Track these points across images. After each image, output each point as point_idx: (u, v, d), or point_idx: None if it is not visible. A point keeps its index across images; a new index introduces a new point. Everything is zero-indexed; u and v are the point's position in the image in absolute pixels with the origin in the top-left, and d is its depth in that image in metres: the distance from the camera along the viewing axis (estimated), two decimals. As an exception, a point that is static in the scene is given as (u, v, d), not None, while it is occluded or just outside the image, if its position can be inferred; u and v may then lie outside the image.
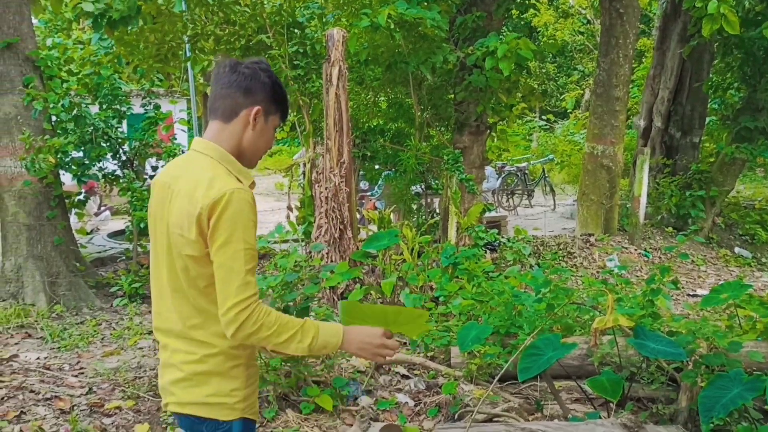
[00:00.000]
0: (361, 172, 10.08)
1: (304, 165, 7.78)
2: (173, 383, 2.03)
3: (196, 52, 8.28)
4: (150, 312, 6.82)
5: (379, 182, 11.35)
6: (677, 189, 11.09)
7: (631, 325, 4.46)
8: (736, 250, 10.92)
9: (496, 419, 4.28)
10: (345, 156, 6.98)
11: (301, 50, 7.74)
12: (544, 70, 27.16)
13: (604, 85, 10.51)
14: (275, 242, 5.83)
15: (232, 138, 2.01)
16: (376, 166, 9.91)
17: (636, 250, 10.18)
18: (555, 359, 4.38)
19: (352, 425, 4.17)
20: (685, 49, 10.63)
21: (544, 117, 26.99)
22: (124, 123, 7.15)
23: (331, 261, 6.96)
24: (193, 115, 12.14)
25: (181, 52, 8.25)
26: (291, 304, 4.27)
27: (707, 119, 12.63)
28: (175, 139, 6.94)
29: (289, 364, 4.30)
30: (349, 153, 7.04)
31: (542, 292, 5.35)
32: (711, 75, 11.68)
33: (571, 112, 25.29)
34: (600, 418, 4.19)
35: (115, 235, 9.23)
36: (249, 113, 1.99)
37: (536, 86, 10.01)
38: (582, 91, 25.37)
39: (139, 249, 7.32)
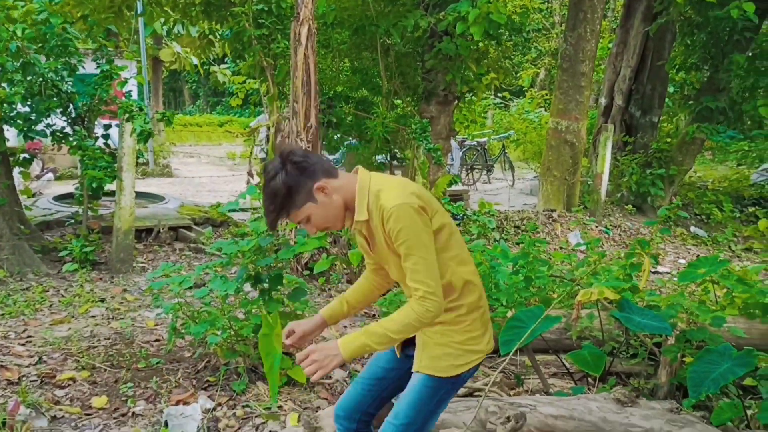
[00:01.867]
0: (324, 142, 9.73)
1: (267, 129, 7.41)
2: None
3: (153, 5, 7.78)
4: (101, 279, 6.46)
5: (341, 151, 11.03)
6: (637, 167, 11.10)
7: (616, 298, 4.33)
8: (692, 229, 11.01)
9: (477, 393, 4.09)
10: (312, 120, 6.66)
11: (266, 8, 7.33)
12: (501, 48, 27.00)
13: (571, 60, 10.41)
14: (235, 210, 5.52)
15: None
16: (337, 136, 9.59)
17: (597, 226, 10.16)
18: (539, 332, 4.23)
19: (326, 399, 3.93)
20: (653, 27, 10.58)
21: (499, 95, 26.92)
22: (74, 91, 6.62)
23: (297, 229, 6.67)
24: (143, 77, 11.55)
25: (133, 11, 7.74)
26: (264, 271, 3.98)
27: (667, 99, 12.68)
28: (130, 95, 6.47)
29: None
30: (317, 117, 6.72)
31: (519, 263, 5.18)
32: (673, 54, 11.69)
33: (527, 91, 25.28)
34: (585, 392, 4.06)
35: (62, 198, 8.69)
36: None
37: (502, 59, 9.74)
38: (538, 70, 25.38)
39: (90, 213, 6.86)
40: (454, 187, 10.24)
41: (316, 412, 3.43)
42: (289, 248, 4.04)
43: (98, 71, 6.57)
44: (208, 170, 16.40)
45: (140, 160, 14.85)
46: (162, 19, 15.13)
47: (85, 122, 6.56)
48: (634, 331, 4.37)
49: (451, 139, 10.94)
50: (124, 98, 6.31)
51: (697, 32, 10.74)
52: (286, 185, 2.12)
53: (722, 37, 10.39)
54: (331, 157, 11.79)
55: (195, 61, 18.13)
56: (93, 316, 5.25)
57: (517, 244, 8.66)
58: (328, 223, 2.22)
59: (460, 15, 7.23)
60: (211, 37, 8.58)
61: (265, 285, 4.01)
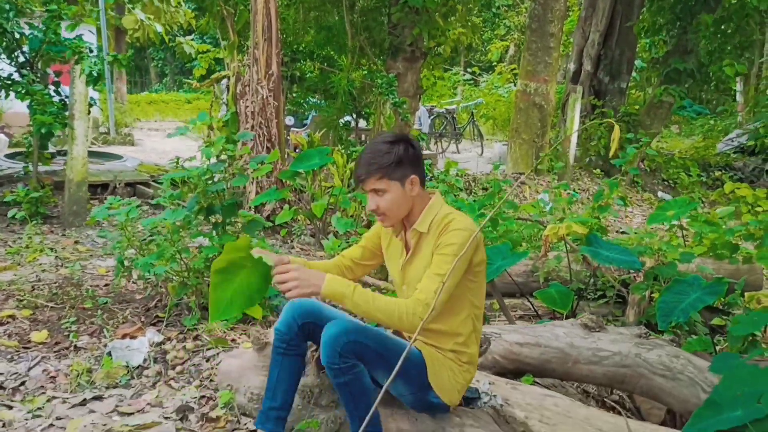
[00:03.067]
0: (286, 107, 9.49)
1: (228, 79, 7.15)
2: None
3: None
4: (53, 232, 6.17)
5: (309, 117, 10.81)
6: (606, 131, 11.05)
7: (584, 233, 4.21)
8: (659, 194, 11.01)
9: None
10: (274, 68, 6.42)
11: (226, -46, 7.07)
12: (469, 23, 26.87)
13: (539, 20, 10.27)
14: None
15: None
16: (304, 103, 9.36)
17: (565, 190, 10.07)
18: (504, 268, 4.10)
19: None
20: (621, -14, 10.48)
21: (469, 70, 26.82)
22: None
23: (257, 181, 6.45)
24: (104, 45, 11.12)
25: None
26: (216, 200, 3.78)
27: (634, 73, 12.65)
28: (82, 39, 6.13)
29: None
30: (278, 65, 6.48)
31: (485, 206, 5.06)
32: (642, 17, 11.62)
33: (496, 65, 25.19)
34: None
35: (14, 156, 8.33)
36: None
37: (469, 15, 9.57)
38: (507, 44, 25.29)
39: (42, 167, 6.53)
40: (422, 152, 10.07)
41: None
42: (243, 176, 3.83)
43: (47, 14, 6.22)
44: (173, 141, 15.99)
45: (101, 129, 14.45)
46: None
47: (35, 68, 6.23)
48: (603, 264, 4.24)
49: (420, 104, 10.77)
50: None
51: (666, -5, 10.70)
52: (398, 155, 2.26)
53: (690, -2, 10.35)
54: (293, 123, 11.54)
55: (159, 28, 17.62)
56: (41, 264, 4.98)
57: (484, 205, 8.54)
58: (393, 211, 2.31)
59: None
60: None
61: (219, 216, 3.82)
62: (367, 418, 1.89)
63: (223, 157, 3.72)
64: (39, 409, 2.76)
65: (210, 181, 3.66)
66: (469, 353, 2.44)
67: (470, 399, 2.65)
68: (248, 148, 5.72)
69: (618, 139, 2.14)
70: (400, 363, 2.07)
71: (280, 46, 6.57)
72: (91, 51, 5.76)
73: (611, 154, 4.03)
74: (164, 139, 16.98)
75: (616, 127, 2.04)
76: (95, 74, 5.66)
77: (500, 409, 2.62)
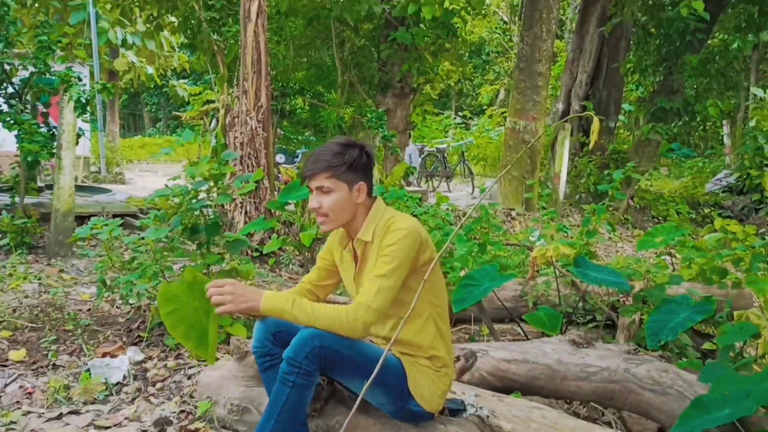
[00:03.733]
0: (276, 144, 9.54)
1: (217, 111, 7.19)
2: None
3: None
4: (38, 261, 6.10)
5: (299, 154, 10.86)
6: (595, 168, 11.13)
7: (571, 254, 4.20)
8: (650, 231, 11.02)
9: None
10: (263, 99, 6.47)
11: (217, -9, 7.18)
12: (460, 69, 27.27)
13: (527, 60, 10.41)
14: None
15: None
16: (294, 139, 9.41)
17: (552, 232, 10.08)
18: (491, 289, 4.06)
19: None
20: (607, 26, 10.69)
21: (460, 114, 27.13)
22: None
23: (246, 212, 6.44)
24: (96, 73, 11.21)
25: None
26: (200, 220, 3.75)
27: (623, 105, 12.83)
28: (71, 69, 6.15)
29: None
30: (267, 96, 6.53)
31: (472, 230, 5.04)
32: (628, 58, 11.82)
33: (486, 109, 25.53)
34: (540, 348, 3.89)
35: (1, 190, 8.28)
36: None
37: (460, 52, 9.71)
38: (498, 87, 25.67)
39: (28, 197, 6.49)
40: (412, 188, 10.10)
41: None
42: (226, 195, 3.81)
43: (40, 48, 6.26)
44: (165, 181, 15.97)
45: (92, 168, 14.44)
46: (117, 29, 14.91)
47: (23, 98, 6.24)
48: (592, 284, 4.22)
49: (411, 141, 10.85)
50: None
51: (651, 39, 10.89)
52: (351, 158, 2.26)
53: (675, 39, 10.53)
54: (284, 160, 11.59)
55: (150, 70, 17.79)
56: (24, 290, 4.91)
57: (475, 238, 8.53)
58: (336, 213, 2.28)
59: (412, -4, 7.17)
60: (160, 21, 8.33)
61: (203, 236, 3.79)
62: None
63: (207, 175, 3.71)
64: (13, 423, 2.68)
65: (194, 200, 3.64)
66: (441, 356, 2.40)
67: (455, 410, 2.59)
68: (233, 166, 5.72)
69: (598, 132, 2.14)
70: (377, 370, 2.04)
71: (269, 78, 6.63)
72: (80, 80, 5.79)
73: (591, 145, 4.04)
74: (156, 178, 16.99)
75: (596, 119, 2.05)
76: (84, 100, 5.67)
77: (486, 419, 2.56)
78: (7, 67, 6.09)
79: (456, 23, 7.79)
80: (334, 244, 2.50)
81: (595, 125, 2.08)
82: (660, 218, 11.58)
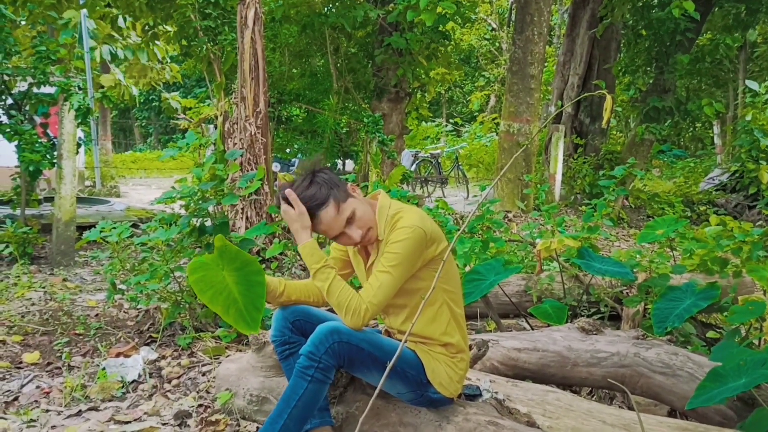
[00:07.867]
0: (272, 154, 9.58)
1: (216, 118, 7.23)
2: None
3: (95, -2, 7.58)
4: (41, 272, 6.11)
5: (295, 162, 10.90)
6: (590, 169, 11.21)
7: (576, 246, 4.25)
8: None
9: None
10: (261, 105, 6.51)
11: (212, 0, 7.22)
12: (456, 72, 27.37)
13: (520, 63, 10.50)
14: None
15: None
16: (289, 149, 9.45)
17: (552, 227, 10.14)
18: (497, 282, 4.11)
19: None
20: (599, 28, 10.80)
21: (451, 121, 27.26)
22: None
23: (246, 217, 6.47)
24: (89, 87, 11.23)
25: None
26: (207, 222, 3.78)
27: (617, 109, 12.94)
28: (72, 80, 6.17)
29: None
30: (266, 103, 6.57)
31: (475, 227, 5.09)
32: (619, 59, 11.93)
33: (477, 115, 25.66)
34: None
35: (2, 203, 8.28)
36: None
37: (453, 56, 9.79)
38: (488, 93, 25.81)
39: (28, 209, 6.49)
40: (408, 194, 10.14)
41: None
42: (233, 195, 3.84)
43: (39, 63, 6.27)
44: (160, 194, 15.96)
45: (87, 182, 14.44)
46: (105, 47, 14.94)
47: (23, 109, 6.26)
48: (596, 275, 4.27)
49: (405, 149, 10.90)
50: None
51: (641, 40, 11.00)
52: (323, 181, 2.23)
53: (665, 38, 10.64)
54: (280, 169, 11.63)
55: (135, 91, 17.88)
56: (29, 298, 4.92)
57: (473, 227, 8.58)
58: (368, 219, 2.28)
59: (410, 3, 7.23)
60: (155, 30, 8.36)
61: (210, 237, 3.82)
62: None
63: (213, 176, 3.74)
64: (33, 421, 2.70)
65: (201, 201, 3.67)
66: (456, 343, 2.42)
67: (472, 396, 2.62)
68: (237, 165, 5.76)
69: (610, 110, 2.20)
70: (393, 361, 2.05)
71: (267, 85, 6.68)
72: (80, 88, 5.82)
73: (603, 123, 4.11)
74: (150, 191, 16.99)
75: (609, 97, 2.10)
76: (84, 108, 5.69)
77: (503, 402, 2.59)
78: (6, 77, 6.11)
79: (446, 30, 7.83)
80: None
81: (608, 103, 2.13)
82: (655, 217, 11.67)
